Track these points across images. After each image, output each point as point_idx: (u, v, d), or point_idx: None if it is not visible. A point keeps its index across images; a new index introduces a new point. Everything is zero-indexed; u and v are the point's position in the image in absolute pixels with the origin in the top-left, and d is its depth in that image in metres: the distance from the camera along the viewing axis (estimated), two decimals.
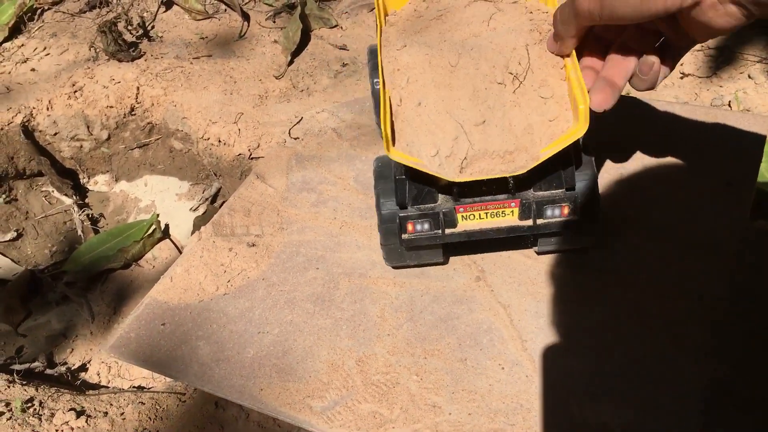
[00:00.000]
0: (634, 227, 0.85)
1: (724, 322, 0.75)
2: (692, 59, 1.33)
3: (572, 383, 0.72)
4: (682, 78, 1.30)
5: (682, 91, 1.27)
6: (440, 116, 0.67)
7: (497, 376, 0.73)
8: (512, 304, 0.79)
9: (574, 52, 0.67)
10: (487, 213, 0.74)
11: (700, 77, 1.30)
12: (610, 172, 0.92)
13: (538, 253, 0.82)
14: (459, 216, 0.74)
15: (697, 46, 1.35)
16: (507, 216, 0.75)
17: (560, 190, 0.73)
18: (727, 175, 0.89)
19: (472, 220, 0.74)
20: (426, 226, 0.74)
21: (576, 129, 0.64)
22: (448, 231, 0.75)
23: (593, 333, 0.76)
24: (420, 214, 0.74)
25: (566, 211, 0.73)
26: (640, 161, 0.93)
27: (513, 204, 0.73)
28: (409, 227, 0.74)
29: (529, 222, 0.74)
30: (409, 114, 0.68)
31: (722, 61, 1.32)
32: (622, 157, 0.94)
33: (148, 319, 0.83)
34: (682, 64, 1.34)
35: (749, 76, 1.27)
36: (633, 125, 0.98)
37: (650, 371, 0.72)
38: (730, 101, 1.23)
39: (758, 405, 0.69)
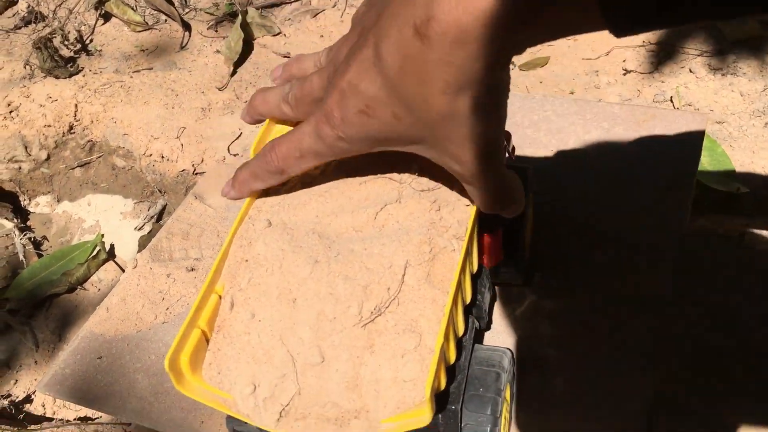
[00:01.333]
0: (577, 232, 0.85)
1: (667, 327, 0.75)
2: (634, 55, 1.34)
3: (519, 397, 0.71)
4: (624, 74, 1.31)
5: (625, 87, 1.28)
6: (271, 341, 0.50)
7: None
8: None
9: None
10: None
11: (642, 73, 1.31)
12: (551, 176, 0.91)
13: None
14: None
15: (638, 41, 1.35)
16: None
17: None
18: (669, 174, 0.89)
19: None
20: None
21: (418, 415, 0.47)
22: None
23: (536, 346, 0.75)
24: None
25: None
26: (581, 163, 0.92)
27: None
28: None
29: None
30: (237, 328, 0.52)
31: (663, 56, 1.32)
32: (565, 159, 0.93)
33: (83, 353, 0.80)
34: (624, 61, 1.34)
35: (690, 70, 1.28)
36: (576, 126, 0.98)
37: (594, 380, 0.72)
38: (672, 96, 1.24)
39: (701, 411, 0.69)
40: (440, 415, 0.54)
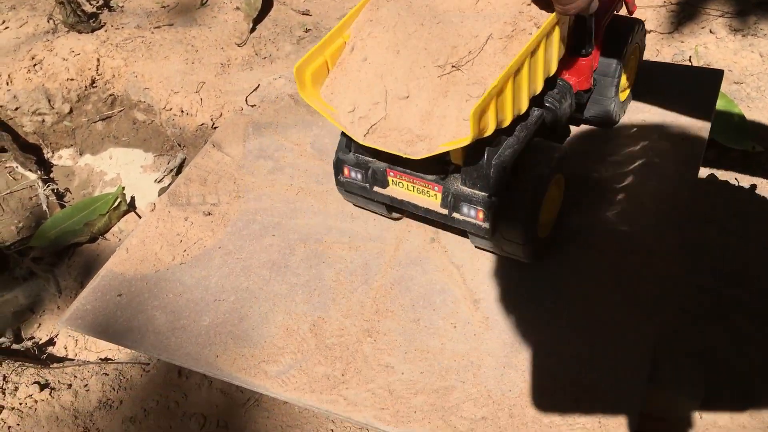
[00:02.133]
0: (587, 185, 0.85)
1: (673, 276, 0.76)
2: (654, 15, 1.33)
3: (527, 338, 0.73)
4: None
5: None
6: (374, 78, 0.66)
7: (449, 335, 0.74)
8: (465, 264, 0.80)
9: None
10: (414, 187, 0.73)
11: (661, 33, 1.30)
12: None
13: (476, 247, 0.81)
14: (390, 179, 0.74)
15: (659, 1, 1.34)
16: (431, 198, 0.73)
17: (481, 193, 0.70)
18: (683, 126, 0.90)
19: (401, 188, 0.74)
20: (359, 176, 0.75)
21: (464, 138, 0.62)
22: (377, 189, 0.75)
23: (547, 290, 0.77)
24: (356, 163, 0.74)
25: (480, 215, 0.71)
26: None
27: (437, 189, 0.72)
28: (345, 171, 0.76)
29: (446, 211, 0.72)
30: (352, 66, 0.68)
31: (684, 16, 1.31)
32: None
33: (104, 291, 0.83)
34: (645, 20, 1.33)
35: (710, 31, 1.27)
36: None
37: (603, 324, 0.73)
38: (690, 56, 1.23)
39: (705, 355, 0.70)
40: (486, 151, 0.67)
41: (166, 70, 1.37)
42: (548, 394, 0.68)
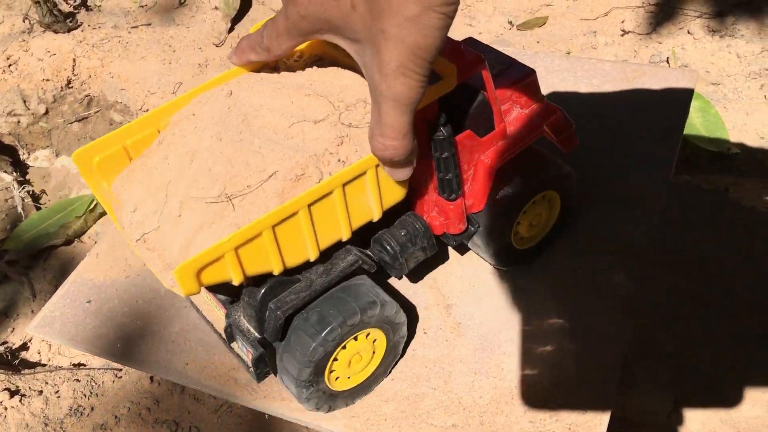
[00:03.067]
0: None
1: (647, 275, 0.76)
2: (633, 16, 1.33)
3: (499, 344, 0.72)
4: (622, 35, 1.30)
5: (622, 48, 1.27)
6: (162, 184, 0.58)
7: (420, 341, 0.73)
8: (438, 269, 0.79)
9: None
10: (213, 302, 0.68)
11: (640, 34, 1.30)
12: None
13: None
14: None
15: (638, 2, 1.34)
16: (221, 319, 0.67)
17: (253, 333, 0.64)
18: (657, 128, 0.90)
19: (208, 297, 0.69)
20: None
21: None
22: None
23: (520, 295, 0.76)
24: None
25: (250, 356, 0.64)
26: (573, 118, 0.93)
27: (222, 311, 0.66)
28: None
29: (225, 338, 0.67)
30: (152, 162, 0.60)
31: (662, 17, 1.31)
32: None
33: (73, 297, 0.82)
34: (623, 21, 1.33)
35: (688, 32, 1.27)
36: (567, 83, 0.98)
37: (575, 327, 0.73)
38: (668, 57, 1.23)
39: (677, 356, 0.70)
40: (260, 292, 0.61)
41: (143, 70, 1.35)
42: (519, 401, 0.68)
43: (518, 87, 0.71)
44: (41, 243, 1.29)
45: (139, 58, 1.38)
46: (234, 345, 0.66)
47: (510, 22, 1.39)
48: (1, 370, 0.97)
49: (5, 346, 1.10)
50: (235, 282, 0.56)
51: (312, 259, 0.60)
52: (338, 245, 0.64)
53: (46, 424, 0.88)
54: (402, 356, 0.72)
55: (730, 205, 0.83)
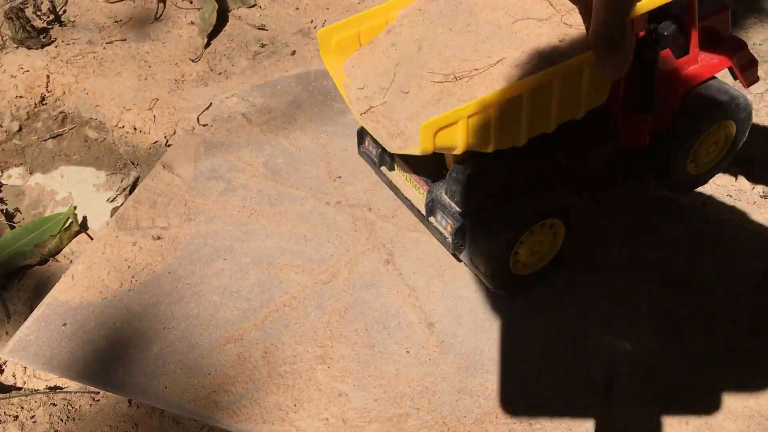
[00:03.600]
0: None
1: (625, 292, 0.76)
2: None
3: (482, 362, 0.72)
4: None
5: None
6: (391, 65, 0.68)
7: (403, 360, 0.73)
8: (419, 287, 0.79)
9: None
10: (410, 180, 0.76)
11: None
12: None
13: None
14: (396, 164, 0.77)
15: None
16: (420, 195, 0.75)
17: (455, 206, 0.71)
18: None
19: (401, 176, 0.77)
20: (373, 151, 0.78)
21: (416, 147, 0.63)
22: (384, 169, 0.78)
23: (502, 312, 0.76)
24: (374, 139, 0.75)
25: (449, 228, 0.71)
26: None
27: (424, 188, 0.73)
28: (365, 142, 0.80)
29: (425, 213, 0.74)
30: (380, 47, 0.71)
31: None
32: None
33: (48, 320, 0.81)
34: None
35: None
36: None
37: (557, 344, 0.73)
38: None
39: (657, 372, 0.70)
40: (467, 167, 0.68)
41: (119, 86, 1.34)
42: (504, 419, 0.68)
43: (711, 20, 0.75)
44: (15, 263, 1.26)
45: (114, 74, 1.36)
46: (431, 219, 0.74)
47: None
48: None
49: None
50: (458, 150, 0.62)
51: (519, 144, 0.65)
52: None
53: None
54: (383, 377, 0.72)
55: (705, 219, 0.83)
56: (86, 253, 0.86)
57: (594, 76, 0.63)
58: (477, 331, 0.75)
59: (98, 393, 0.91)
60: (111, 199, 1.31)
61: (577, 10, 0.65)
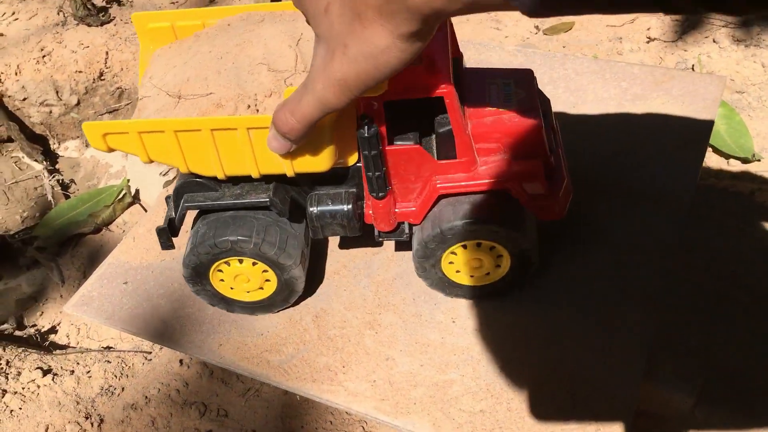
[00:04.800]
0: (588, 183, 0.86)
1: (672, 273, 0.77)
2: (659, 24, 1.34)
3: (525, 334, 0.74)
4: (648, 42, 1.32)
5: (648, 55, 1.29)
6: (172, 68, 0.69)
7: (449, 329, 0.75)
8: None
9: None
10: None
11: (665, 42, 1.31)
12: (569, 130, 0.93)
13: None
14: None
15: None
16: None
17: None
18: (684, 132, 0.91)
19: None
20: None
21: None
22: None
23: (545, 285, 0.78)
24: None
25: None
26: (600, 120, 0.94)
27: None
28: None
29: None
30: (182, 47, 0.71)
31: (688, 25, 1.33)
32: (583, 115, 0.95)
33: (110, 278, 0.84)
34: (649, 29, 1.35)
35: (714, 41, 1.28)
36: (595, 85, 0.99)
37: (600, 320, 0.74)
38: (693, 65, 1.24)
39: (701, 353, 0.71)
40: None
41: None
42: (545, 389, 0.70)
43: (517, 130, 0.67)
44: (70, 230, 1.32)
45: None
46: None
47: (536, 27, 1.40)
48: (33, 350, 0.99)
49: (35, 328, 1.12)
50: (142, 159, 0.65)
51: (220, 177, 0.67)
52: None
53: (77, 402, 0.90)
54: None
55: (754, 207, 0.84)
56: (148, 216, 0.89)
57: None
58: (521, 304, 0.77)
59: (150, 353, 0.95)
60: (163, 173, 1.35)
61: (300, 74, 0.66)
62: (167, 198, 0.74)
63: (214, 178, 0.68)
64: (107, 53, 1.44)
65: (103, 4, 1.56)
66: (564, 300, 0.76)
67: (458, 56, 0.71)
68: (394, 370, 0.72)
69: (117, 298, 0.82)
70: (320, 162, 0.64)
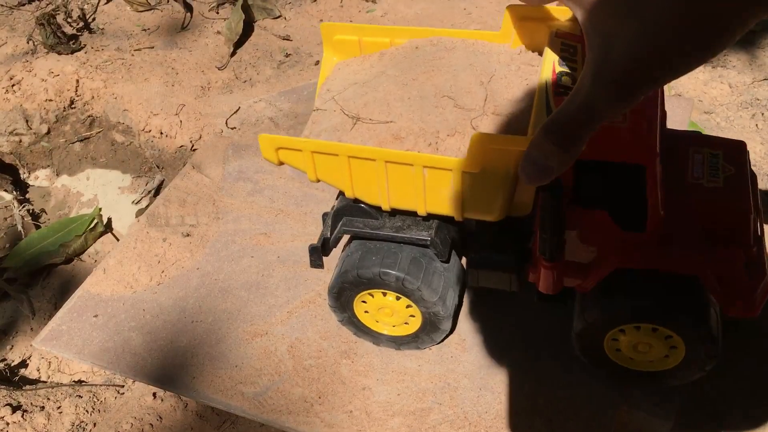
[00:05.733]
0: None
1: None
2: None
3: (502, 360, 0.74)
4: None
5: None
6: (353, 84, 0.67)
7: (426, 356, 0.75)
8: None
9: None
10: None
11: None
12: None
13: None
14: None
15: None
16: None
17: None
18: None
19: None
20: None
21: None
22: None
23: (523, 312, 0.78)
24: None
25: None
26: None
27: None
28: None
29: None
30: (367, 63, 0.70)
31: None
32: None
33: (80, 311, 0.83)
34: None
35: None
36: None
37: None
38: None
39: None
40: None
41: (146, 92, 1.37)
42: (523, 415, 0.69)
43: (721, 212, 0.60)
44: (41, 261, 1.29)
45: (143, 80, 1.40)
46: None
47: None
48: (2, 386, 0.96)
49: (4, 363, 1.09)
50: (310, 178, 0.64)
51: (384, 208, 0.64)
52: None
53: None
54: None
55: None
56: (117, 248, 0.88)
57: (473, 186, 0.58)
58: (497, 329, 0.76)
59: (123, 386, 0.93)
60: (136, 202, 1.34)
61: (495, 119, 0.59)
62: (324, 215, 0.72)
63: (378, 208, 0.66)
64: (78, 81, 1.42)
65: (74, 32, 1.55)
66: (541, 326, 0.76)
67: (663, 115, 0.62)
68: (371, 400, 0.71)
69: (87, 331, 0.81)
70: (495, 210, 0.59)
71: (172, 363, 0.76)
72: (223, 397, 0.73)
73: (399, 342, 0.74)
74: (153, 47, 1.49)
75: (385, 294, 0.69)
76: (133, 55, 1.47)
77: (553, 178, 0.44)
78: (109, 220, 1.34)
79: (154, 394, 0.92)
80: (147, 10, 1.60)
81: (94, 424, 0.90)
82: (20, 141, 1.42)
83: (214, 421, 0.90)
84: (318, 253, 0.70)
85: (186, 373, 0.75)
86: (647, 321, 0.61)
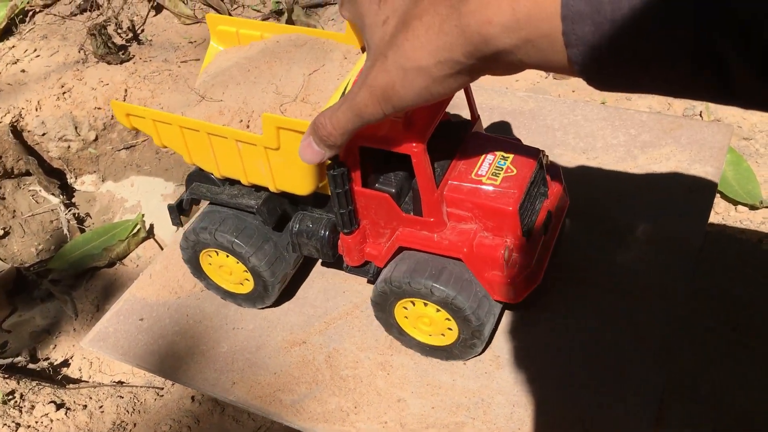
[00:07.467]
0: (599, 228, 0.88)
1: (682, 319, 0.78)
2: None
3: (537, 377, 0.75)
4: None
5: (656, 100, 1.31)
6: (222, 70, 0.76)
7: (460, 371, 0.76)
8: None
9: None
10: None
11: None
12: (578, 175, 0.95)
13: None
14: None
15: None
16: None
17: None
18: (691, 180, 0.93)
19: None
20: None
21: None
22: None
23: (559, 331, 0.79)
24: None
25: None
26: (609, 166, 0.96)
27: None
28: None
29: None
30: (239, 53, 0.77)
31: None
32: (592, 161, 0.97)
33: (126, 314, 0.85)
34: None
35: None
36: (605, 131, 1.01)
37: (613, 364, 0.75)
38: (701, 111, 1.26)
39: (712, 397, 0.71)
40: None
41: None
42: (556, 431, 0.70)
43: (491, 206, 0.68)
44: (85, 264, 1.33)
45: (189, 91, 1.44)
46: None
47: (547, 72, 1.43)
48: (47, 384, 1.00)
49: (48, 361, 1.13)
50: (156, 142, 0.72)
51: (216, 175, 0.74)
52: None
53: None
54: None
55: (762, 254, 0.85)
56: (164, 254, 0.91)
57: (278, 162, 0.67)
58: (532, 347, 0.77)
59: (162, 388, 0.96)
60: None
61: (307, 105, 0.69)
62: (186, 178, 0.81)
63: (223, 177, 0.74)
64: (126, 90, 1.47)
65: (123, 42, 1.60)
66: (577, 345, 0.77)
67: (473, 120, 0.73)
68: (406, 412, 0.73)
69: (133, 334, 0.83)
70: (301, 185, 0.69)
71: (213, 368, 0.78)
72: (262, 404, 0.75)
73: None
74: (198, 59, 1.53)
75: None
76: (179, 66, 1.51)
77: (323, 160, 0.58)
78: (152, 226, 1.38)
79: (193, 398, 0.95)
80: (194, 23, 1.65)
81: (135, 425, 0.93)
82: (69, 147, 1.47)
83: (250, 426, 0.92)
84: (175, 212, 0.80)
85: (226, 378, 0.77)
86: (417, 297, 0.71)
